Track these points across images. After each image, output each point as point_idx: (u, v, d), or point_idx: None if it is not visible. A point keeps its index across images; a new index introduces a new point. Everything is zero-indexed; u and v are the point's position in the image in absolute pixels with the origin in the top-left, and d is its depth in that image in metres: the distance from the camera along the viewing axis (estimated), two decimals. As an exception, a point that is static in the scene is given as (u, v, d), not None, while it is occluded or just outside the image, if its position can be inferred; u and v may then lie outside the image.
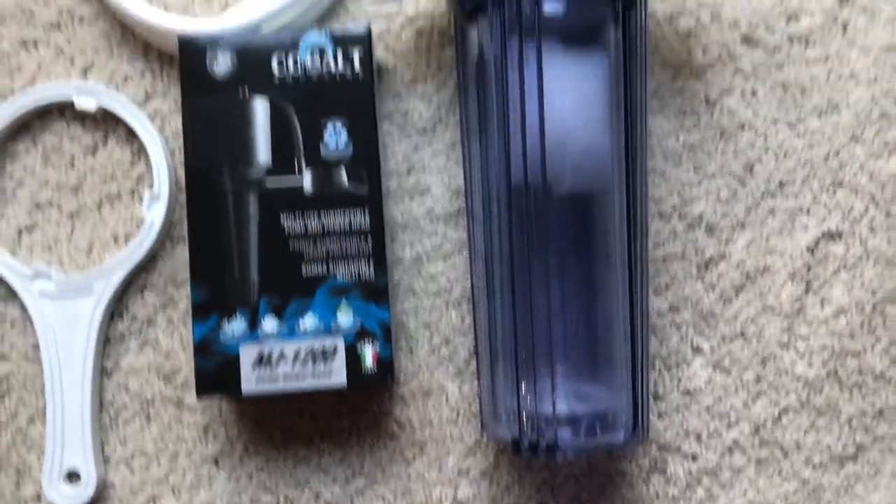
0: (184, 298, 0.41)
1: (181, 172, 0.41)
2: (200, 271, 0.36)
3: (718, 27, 0.41)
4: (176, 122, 0.42)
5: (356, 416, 0.41)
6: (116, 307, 0.41)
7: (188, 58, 0.37)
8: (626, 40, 0.37)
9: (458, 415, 0.41)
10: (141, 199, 0.42)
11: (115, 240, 0.42)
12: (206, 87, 0.37)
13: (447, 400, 0.41)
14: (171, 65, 0.42)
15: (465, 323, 0.41)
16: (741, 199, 0.41)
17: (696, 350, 0.41)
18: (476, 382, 0.40)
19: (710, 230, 0.41)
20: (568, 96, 0.36)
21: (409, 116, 0.42)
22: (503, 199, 0.36)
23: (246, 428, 0.41)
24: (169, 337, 0.41)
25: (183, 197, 0.41)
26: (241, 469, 0.40)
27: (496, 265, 0.37)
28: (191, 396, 0.41)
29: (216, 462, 0.41)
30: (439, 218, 0.41)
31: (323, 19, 0.42)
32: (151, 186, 0.41)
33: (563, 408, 0.36)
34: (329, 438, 0.40)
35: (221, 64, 0.37)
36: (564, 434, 0.36)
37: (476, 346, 0.39)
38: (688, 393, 0.40)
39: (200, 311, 0.36)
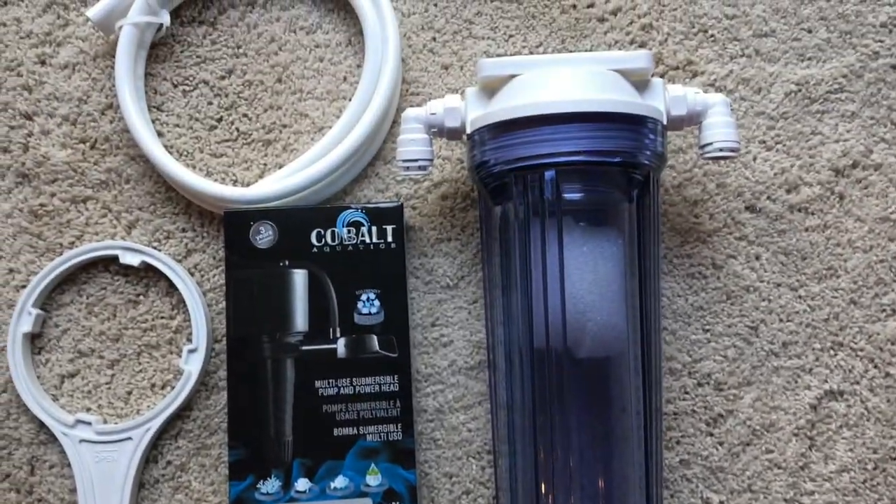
0: (216, 445, 0.43)
1: (218, 324, 0.44)
2: (238, 433, 0.38)
3: (724, 196, 0.44)
4: (214, 277, 0.44)
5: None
6: (151, 453, 0.43)
7: (233, 230, 0.40)
8: (640, 218, 0.40)
9: (477, 565, 0.42)
10: (178, 350, 0.44)
11: (153, 387, 0.44)
12: (249, 257, 0.40)
13: (468, 550, 0.42)
14: (212, 223, 0.45)
15: (485, 473, 0.43)
16: (747, 358, 0.43)
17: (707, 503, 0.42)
18: (495, 533, 0.42)
19: (719, 387, 0.43)
20: (587, 273, 0.38)
21: (434, 273, 0.44)
22: (525, 356, 0.39)
23: (273, 575, 0.42)
24: (201, 482, 0.43)
25: (219, 347, 0.44)
26: None
27: (517, 416, 0.39)
28: (220, 542, 0.42)
29: None
30: (461, 370, 0.44)
31: (354, 182, 0.45)
32: (190, 340, 0.44)
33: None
34: (353, 587, 0.42)
35: (264, 236, 0.40)
36: None
37: (497, 497, 0.41)
38: (699, 545, 0.42)
39: (237, 471, 0.38)
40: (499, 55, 0.46)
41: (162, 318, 0.44)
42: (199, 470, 0.43)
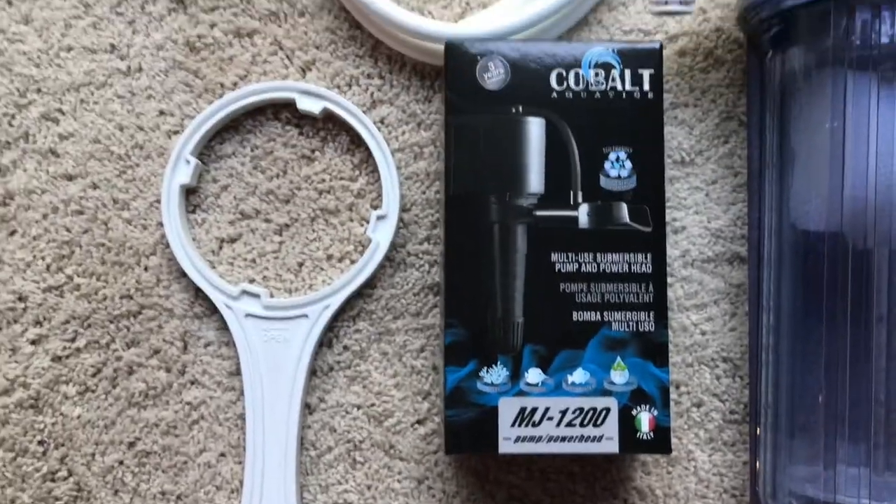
0: (401, 331, 0.37)
1: (406, 190, 0.37)
2: (457, 309, 0.32)
3: None
4: (403, 134, 0.37)
5: (592, 480, 0.36)
6: (325, 336, 0.37)
7: (456, 66, 0.33)
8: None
9: (707, 487, 0.36)
10: (360, 217, 0.37)
11: (329, 259, 0.37)
12: (475, 100, 0.32)
13: (696, 470, 0.36)
14: (402, 69, 0.37)
15: (720, 384, 0.36)
16: None
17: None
18: (752, 455, 0.35)
19: None
20: (901, 140, 0.31)
21: (667, 145, 0.37)
22: (811, 246, 0.32)
23: (466, 484, 0.36)
24: (382, 373, 0.37)
25: (407, 217, 0.37)
26: (458, 530, 0.36)
27: (789, 323, 0.33)
28: (403, 442, 0.36)
29: (430, 519, 0.36)
30: (695, 262, 0.37)
31: (572, 30, 0.37)
32: (377, 206, 0.37)
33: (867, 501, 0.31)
34: (560, 503, 0.36)
35: (494, 75, 0.32)
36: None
37: (756, 413, 0.34)
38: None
39: (455, 355, 0.32)
40: None
41: (342, 178, 0.37)
42: (381, 358, 0.37)
